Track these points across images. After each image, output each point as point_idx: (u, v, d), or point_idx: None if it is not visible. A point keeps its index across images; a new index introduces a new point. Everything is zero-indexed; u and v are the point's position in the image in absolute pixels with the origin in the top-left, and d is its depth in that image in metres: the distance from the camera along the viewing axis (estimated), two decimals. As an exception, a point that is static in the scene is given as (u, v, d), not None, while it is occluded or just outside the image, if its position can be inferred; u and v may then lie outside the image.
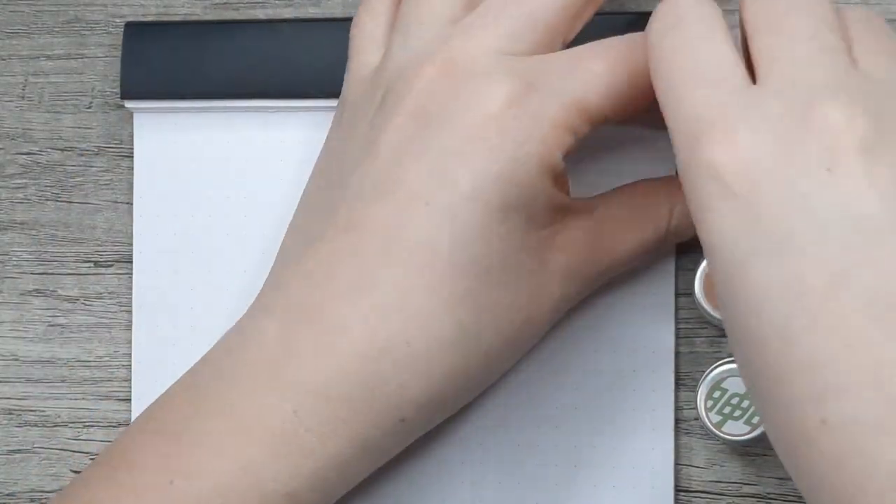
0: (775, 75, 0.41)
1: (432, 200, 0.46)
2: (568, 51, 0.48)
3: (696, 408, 0.53)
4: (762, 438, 0.52)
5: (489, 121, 0.46)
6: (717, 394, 0.52)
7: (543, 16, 0.48)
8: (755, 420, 0.51)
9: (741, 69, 0.42)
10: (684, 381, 0.55)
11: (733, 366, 0.52)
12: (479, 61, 0.47)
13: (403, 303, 0.46)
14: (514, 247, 0.47)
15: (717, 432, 0.52)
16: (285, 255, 0.50)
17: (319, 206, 0.49)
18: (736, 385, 0.52)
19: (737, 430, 0.52)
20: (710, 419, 0.52)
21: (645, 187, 0.52)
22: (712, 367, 0.52)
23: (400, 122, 0.47)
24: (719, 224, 0.40)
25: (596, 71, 0.47)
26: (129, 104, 0.58)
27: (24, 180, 0.59)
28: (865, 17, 0.44)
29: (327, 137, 0.52)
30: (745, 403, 0.52)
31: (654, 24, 0.45)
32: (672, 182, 0.52)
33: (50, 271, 0.59)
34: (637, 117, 0.49)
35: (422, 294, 0.46)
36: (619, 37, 0.48)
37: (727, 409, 0.52)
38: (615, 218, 0.51)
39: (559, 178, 0.48)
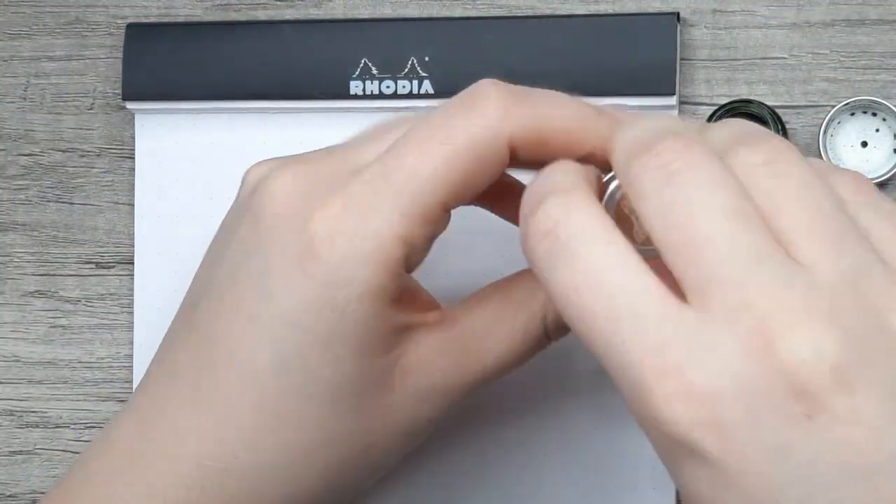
0: (713, 297, 0.35)
1: (254, 317, 0.44)
2: (393, 148, 0.44)
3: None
4: None
5: (308, 243, 0.43)
6: None
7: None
8: None
9: (661, 288, 0.36)
10: (686, 383, 0.55)
11: None
12: (322, 170, 0.44)
13: (230, 419, 0.44)
14: (345, 373, 0.44)
15: None
16: (166, 336, 0.49)
17: (191, 294, 0.48)
18: None
19: None
20: None
21: (513, 281, 0.47)
22: None
23: (246, 227, 0.45)
24: (692, 486, 0.36)
25: (413, 167, 0.42)
26: (130, 105, 0.58)
27: (26, 181, 0.59)
28: (776, 169, 0.37)
29: None
30: None
31: (534, 248, 0.38)
32: None
33: (51, 272, 0.59)
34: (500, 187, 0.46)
35: (247, 412, 0.44)
36: (427, 115, 0.44)
37: None
38: (479, 325, 0.46)
39: (401, 296, 0.44)
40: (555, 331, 0.47)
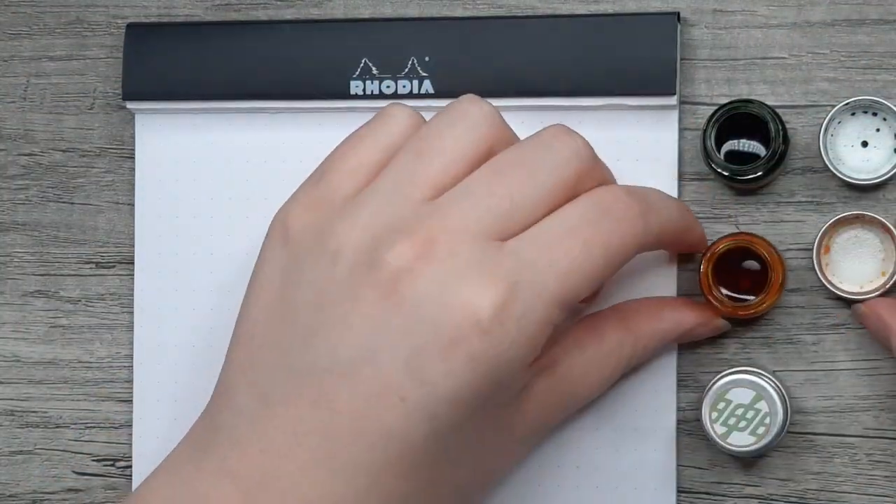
0: None
1: (408, 397, 0.45)
2: (545, 234, 0.47)
3: (697, 409, 0.53)
4: (767, 449, 0.52)
5: (473, 327, 0.45)
6: (721, 405, 0.52)
7: (522, 200, 0.47)
8: (760, 431, 0.51)
9: None
10: (686, 383, 0.55)
11: (737, 377, 0.52)
12: (460, 249, 0.46)
13: (375, 486, 0.45)
14: (485, 428, 0.48)
15: (722, 444, 0.52)
16: (235, 400, 0.47)
17: (276, 359, 0.47)
18: (739, 396, 0.51)
19: (742, 442, 0.51)
20: (714, 431, 0.52)
21: (605, 327, 0.53)
22: (715, 378, 0.52)
23: (372, 299, 0.45)
24: None
25: (574, 256, 0.47)
26: (130, 105, 0.58)
27: (26, 181, 0.59)
28: None
29: (266, 246, 0.50)
30: (750, 414, 0.51)
31: None
32: (628, 315, 0.53)
33: (52, 272, 0.59)
34: None
35: (395, 480, 0.46)
36: (591, 202, 0.48)
37: (731, 421, 0.51)
38: (578, 368, 0.52)
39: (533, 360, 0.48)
40: (632, 366, 0.53)
